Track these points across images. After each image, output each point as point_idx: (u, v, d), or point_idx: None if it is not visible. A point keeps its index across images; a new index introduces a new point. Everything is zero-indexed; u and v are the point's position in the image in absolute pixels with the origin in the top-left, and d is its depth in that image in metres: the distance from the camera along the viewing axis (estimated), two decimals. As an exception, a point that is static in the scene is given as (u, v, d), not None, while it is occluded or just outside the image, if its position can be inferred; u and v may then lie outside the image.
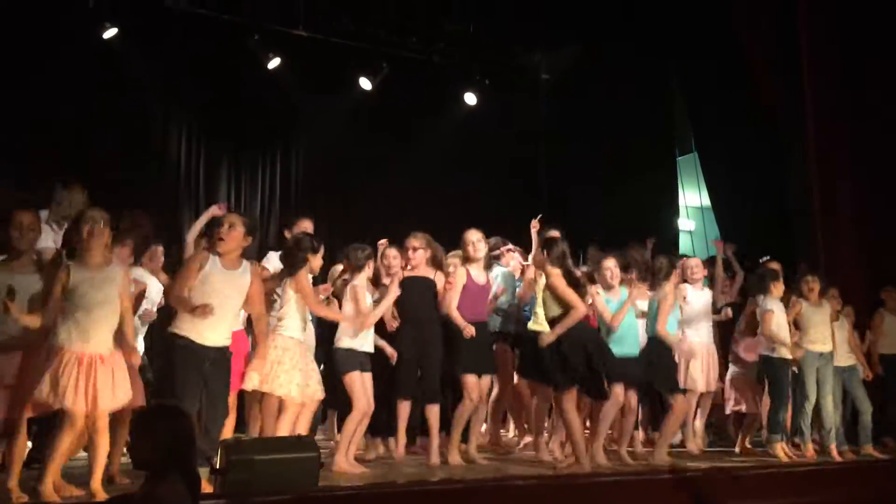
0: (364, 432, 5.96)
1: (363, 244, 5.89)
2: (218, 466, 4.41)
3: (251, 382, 5.07)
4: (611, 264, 6.23)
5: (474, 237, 6.11)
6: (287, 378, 5.08)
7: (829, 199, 9.08)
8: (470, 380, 5.90)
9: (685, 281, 6.92)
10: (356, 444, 5.81)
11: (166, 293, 4.69)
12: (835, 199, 9.06)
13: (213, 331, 4.52)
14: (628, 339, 6.12)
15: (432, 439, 5.95)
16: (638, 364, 6.09)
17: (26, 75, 8.24)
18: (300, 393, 5.12)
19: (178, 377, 4.45)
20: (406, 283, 5.86)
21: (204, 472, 4.05)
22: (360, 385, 5.54)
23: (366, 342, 5.63)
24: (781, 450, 6.55)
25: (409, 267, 6.08)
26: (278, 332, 5.14)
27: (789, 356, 6.63)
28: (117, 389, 4.28)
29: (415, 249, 6.03)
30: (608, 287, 6.17)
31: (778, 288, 6.75)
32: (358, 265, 5.70)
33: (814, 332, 6.83)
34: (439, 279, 6.10)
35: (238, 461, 4.42)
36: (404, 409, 5.94)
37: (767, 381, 6.84)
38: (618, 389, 5.97)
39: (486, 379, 6.11)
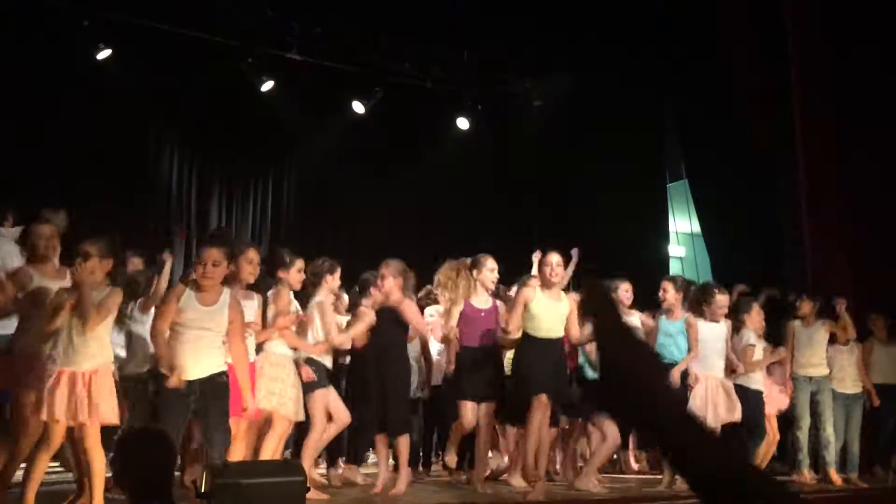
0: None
1: (324, 258, 5.76)
2: (203, 490, 4.35)
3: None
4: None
5: (491, 265, 5.83)
6: (283, 394, 5.03)
7: (820, 225, 9.11)
8: (465, 405, 5.62)
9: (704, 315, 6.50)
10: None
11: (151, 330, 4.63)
12: (825, 225, 9.09)
13: (195, 365, 4.46)
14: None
15: (402, 469, 5.61)
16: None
17: (19, 95, 8.23)
18: (295, 411, 5.06)
19: (162, 416, 4.44)
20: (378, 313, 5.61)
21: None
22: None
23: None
24: None
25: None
26: (269, 349, 5.12)
27: (762, 388, 6.32)
28: (100, 406, 4.25)
29: (383, 277, 5.64)
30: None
31: (754, 319, 6.37)
32: (315, 281, 5.56)
33: (802, 354, 6.56)
34: (409, 306, 5.68)
35: (224, 485, 4.36)
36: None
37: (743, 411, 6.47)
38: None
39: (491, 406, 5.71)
